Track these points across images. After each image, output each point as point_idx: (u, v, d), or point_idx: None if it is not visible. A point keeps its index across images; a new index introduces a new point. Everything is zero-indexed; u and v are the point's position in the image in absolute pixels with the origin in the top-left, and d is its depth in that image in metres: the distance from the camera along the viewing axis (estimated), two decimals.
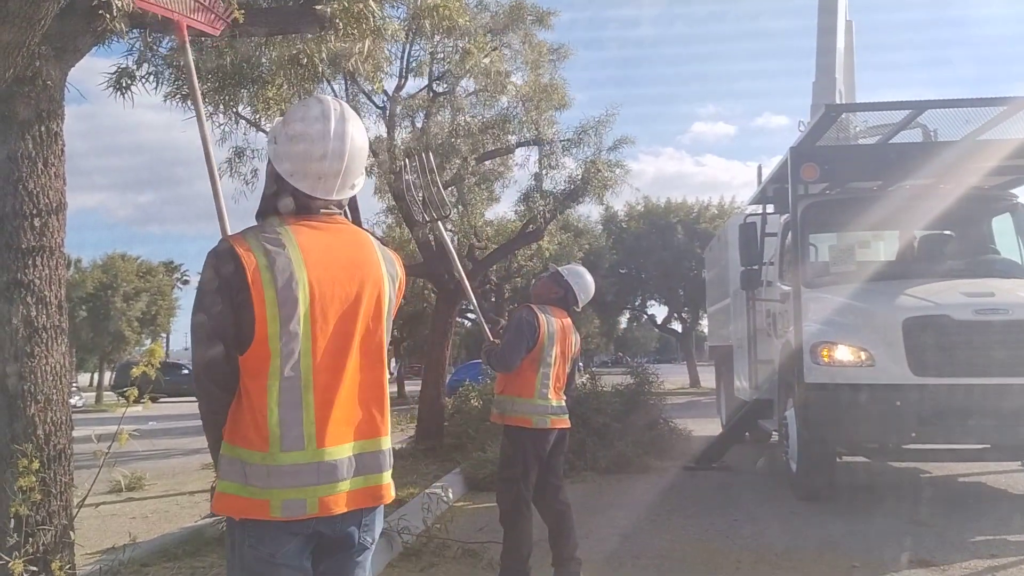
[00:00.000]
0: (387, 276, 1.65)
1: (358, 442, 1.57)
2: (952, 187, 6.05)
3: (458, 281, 5.02)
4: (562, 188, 9.23)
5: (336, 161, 1.59)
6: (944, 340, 4.95)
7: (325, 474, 1.50)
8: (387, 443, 1.63)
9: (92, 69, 3.94)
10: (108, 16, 2.74)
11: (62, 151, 2.89)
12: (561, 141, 8.96)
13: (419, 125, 8.67)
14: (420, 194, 3.89)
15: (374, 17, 3.82)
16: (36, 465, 2.60)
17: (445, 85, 8.69)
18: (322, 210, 1.61)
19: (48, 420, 2.75)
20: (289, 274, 1.49)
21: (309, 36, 4.08)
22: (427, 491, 5.43)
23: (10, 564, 2.47)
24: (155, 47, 4.13)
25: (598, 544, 4.37)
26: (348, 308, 1.56)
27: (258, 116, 5.78)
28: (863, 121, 7.28)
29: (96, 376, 32.22)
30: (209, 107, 5.15)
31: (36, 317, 2.74)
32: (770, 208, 7.28)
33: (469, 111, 8.56)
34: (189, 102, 4.71)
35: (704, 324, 20.99)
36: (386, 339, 1.65)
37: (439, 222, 3.93)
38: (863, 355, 5.11)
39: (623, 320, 33.94)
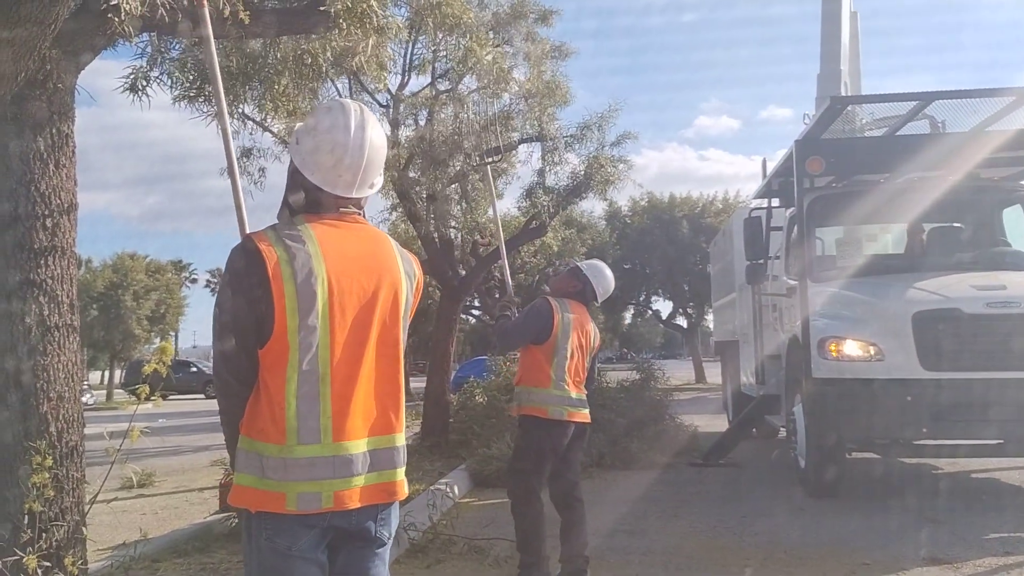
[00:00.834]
0: (404, 274, 1.67)
1: (372, 438, 1.58)
2: (961, 179, 5.98)
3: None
4: (565, 184, 9.21)
5: (356, 160, 1.62)
6: (955, 334, 4.91)
7: (340, 468, 1.52)
8: (401, 440, 1.64)
9: (100, 71, 3.97)
10: (116, 19, 2.75)
11: (73, 152, 2.90)
12: (564, 137, 8.95)
13: (422, 123, 8.68)
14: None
15: (377, 16, 3.82)
16: (49, 462, 2.62)
17: (448, 82, 8.70)
18: (341, 209, 1.64)
19: (61, 417, 2.77)
20: (308, 269, 1.52)
21: (314, 36, 4.08)
22: (433, 487, 5.45)
23: (24, 559, 2.49)
24: (164, 51, 4.15)
25: (606, 540, 4.37)
26: (366, 304, 1.58)
27: (264, 116, 5.79)
28: (869, 113, 7.24)
29: (107, 374, 32.48)
30: (215, 107, 5.16)
31: (49, 316, 2.77)
32: (775, 202, 7.21)
33: (472, 108, 8.54)
34: (196, 103, 4.72)
35: (709, 319, 21.01)
36: (403, 337, 1.67)
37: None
38: (872, 349, 5.07)
39: (628, 316, 33.94)
